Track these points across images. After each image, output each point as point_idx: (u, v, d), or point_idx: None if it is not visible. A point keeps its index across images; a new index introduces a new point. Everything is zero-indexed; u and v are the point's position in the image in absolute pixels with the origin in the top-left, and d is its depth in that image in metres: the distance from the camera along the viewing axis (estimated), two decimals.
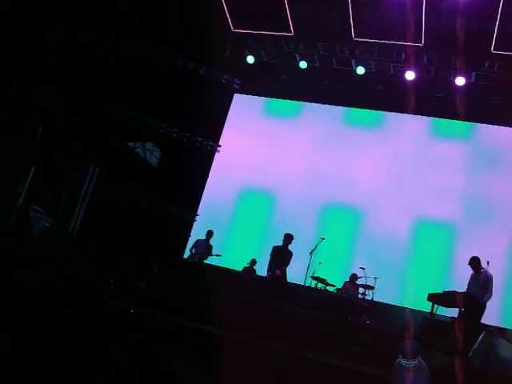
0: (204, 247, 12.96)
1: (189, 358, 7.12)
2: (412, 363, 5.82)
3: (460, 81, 14.06)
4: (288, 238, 10.79)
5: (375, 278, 12.04)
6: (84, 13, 13.55)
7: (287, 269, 10.52)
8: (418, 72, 14.41)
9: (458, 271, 11.61)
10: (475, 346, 6.86)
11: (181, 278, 12.14)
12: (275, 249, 10.79)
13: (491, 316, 10.34)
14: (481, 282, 9.94)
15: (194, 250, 13.04)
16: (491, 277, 9.97)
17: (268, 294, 10.35)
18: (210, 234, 13.13)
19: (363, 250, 13.88)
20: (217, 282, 12.10)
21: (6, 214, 13.02)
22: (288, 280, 10.75)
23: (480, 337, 6.96)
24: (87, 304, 6.86)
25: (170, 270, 12.48)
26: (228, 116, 16.41)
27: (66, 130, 14.18)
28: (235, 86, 16.26)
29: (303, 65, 15.33)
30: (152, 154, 16.39)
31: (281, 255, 10.64)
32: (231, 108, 16.49)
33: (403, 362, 5.87)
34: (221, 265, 13.65)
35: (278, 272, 10.38)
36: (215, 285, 11.57)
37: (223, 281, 12.57)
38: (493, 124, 14.30)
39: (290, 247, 10.60)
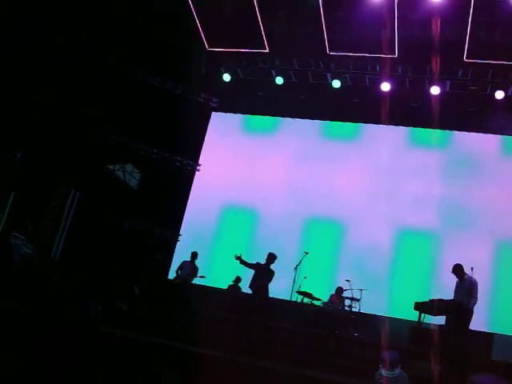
0: (189, 269, 12.93)
1: (175, 378, 7.03)
2: (392, 373, 5.78)
3: (435, 90, 14.18)
4: (271, 257, 10.79)
5: (361, 290, 12.04)
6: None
7: (269, 285, 10.51)
8: (393, 83, 14.52)
9: (443, 279, 11.60)
10: None
11: (165, 298, 12.03)
12: (258, 265, 10.78)
13: (478, 322, 10.35)
14: (466, 288, 9.96)
15: (179, 272, 13.00)
16: (476, 283, 10.00)
17: (251, 309, 10.30)
18: (194, 255, 13.12)
19: (347, 262, 13.86)
20: (202, 301, 12.05)
21: None
22: (274, 296, 10.70)
23: None
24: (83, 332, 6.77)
25: (152, 291, 12.35)
26: (207, 134, 16.40)
27: (45, 154, 14.08)
28: (212, 105, 16.27)
29: (279, 80, 15.40)
30: (132, 176, 16.29)
31: (262, 272, 10.63)
32: (209, 126, 16.49)
33: (383, 372, 5.83)
34: (206, 284, 13.55)
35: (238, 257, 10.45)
36: (200, 304, 11.53)
37: (208, 300, 12.51)
38: (468, 131, 14.44)
39: (273, 266, 10.58)
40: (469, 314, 9.82)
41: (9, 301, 8.66)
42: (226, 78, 15.80)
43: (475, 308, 9.93)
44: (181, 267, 13.07)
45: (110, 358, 7.13)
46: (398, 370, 5.81)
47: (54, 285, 10.66)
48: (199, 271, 12.99)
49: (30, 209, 13.90)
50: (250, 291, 10.80)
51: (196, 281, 13.17)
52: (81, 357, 6.38)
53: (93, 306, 7.67)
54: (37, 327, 6.78)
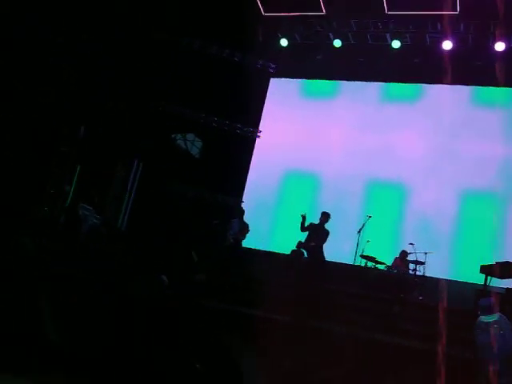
0: (237, 227, 12.73)
1: (246, 343, 7.22)
2: (492, 317, 5.91)
3: (500, 46, 13.72)
4: (325, 216, 10.85)
5: (425, 253, 11.94)
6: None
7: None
8: (455, 41, 14.13)
9: (509, 242, 11.44)
10: None
11: (220, 263, 12.01)
12: (312, 226, 10.84)
13: None
14: None
15: (230, 233, 12.75)
16: None
17: (307, 272, 10.41)
18: (241, 212, 13.02)
19: (411, 225, 13.76)
20: (265, 266, 12.18)
21: (56, 213, 13.36)
22: (337, 260, 10.76)
23: None
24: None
25: (209, 256, 12.40)
26: (266, 101, 16.40)
27: (107, 128, 14.43)
28: (271, 71, 16.25)
29: (337, 43, 15.20)
30: (193, 145, 16.51)
31: (317, 233, 10.69)
32: (269, 92, 16.48)
33: (483, 318, 5.95)
34: (269, 249, 13.74)
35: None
36: (263, 269, 11.64)
37: (272, 265, 12.64)
38: None
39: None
40: None
41: (77, 270, 8.96)
42: (284, 43, 15.70)
43: None
44: (229, 228, 12.81)
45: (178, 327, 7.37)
46: (497, 315, 5.93)
47: (122, 255, 10.98)
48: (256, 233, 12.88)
49: (96, 180, 14.33)
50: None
51: (260, 246, 13.28)
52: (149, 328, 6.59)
53: (161, 277, 7.84)
54: (103, 298, 7.01)
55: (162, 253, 10.59)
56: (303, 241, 11.33)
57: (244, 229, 12.78)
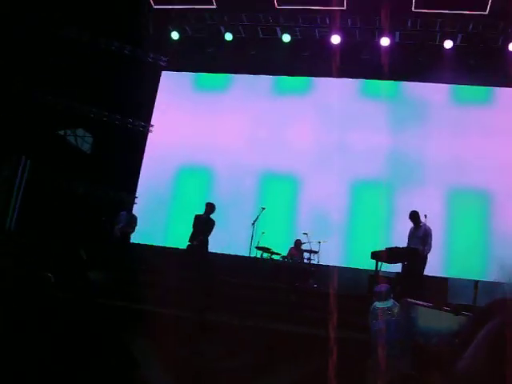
0: (125, 220, 12.33)
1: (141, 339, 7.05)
2: (385, 303, 6.05)
3: (385, 41, 14.22)
4: (209, 206, 10.86)
5: (319, 242, 12.18)
6: None
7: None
8: (343, 35, 14.50)
9: (398, 228, 11.89)
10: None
11: (109, 258, 11.57)
12: (197, 218, 10.82)
13: (434, 268, 10.70)
14: (420, 235, 10.29)
15: (118, 226, 12.28)
16: (430, 230, 10.34)
17: (188, 265, 10.36)
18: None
19: (304, 216, 14.03)
20: (160, 261, 11.96)
21: None
22: (232, 252, 10.76)
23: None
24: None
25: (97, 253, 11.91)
26: (158, 95, 16.16)
27: None
28: (162, 64, 16.02)
29: (229, 37, 15.21)
30: (84, 141, 15.98)
31: (202, 224, 10.68)
32: (161, 86, 16.24)
33: (378, 304, 6.08)
34: (166, 245, 13.55)
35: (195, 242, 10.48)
36: (158, 264, 11.41)
37: (166, 260, 12.42)
38: (418, 81, 14.54)
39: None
40: (423, 259, 10.16)
41: None
42: (175, 36, 15.50)
43: (430, 254, 10.27)
44: (118, 220, 12.34)
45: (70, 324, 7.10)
46: (390, 301, 6.07)
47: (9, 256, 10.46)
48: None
49: None
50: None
51: (156, 242, 13.08)
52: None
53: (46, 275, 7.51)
54: None
55: (49, 251, 10.17)
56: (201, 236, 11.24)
57: (132, 222, 12.42)
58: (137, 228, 12.54)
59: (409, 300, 6.72)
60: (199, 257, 10.60)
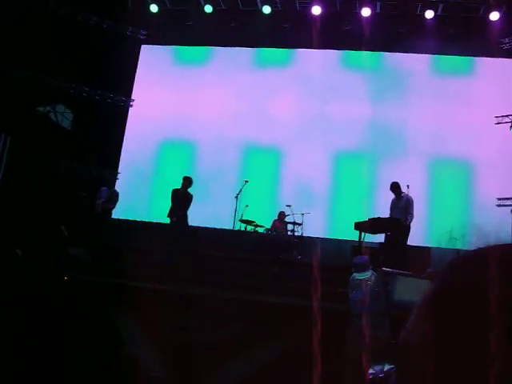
0: (106, 195, 12.17)
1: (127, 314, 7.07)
2: (364, 274, 6.11)
3: (366, 12, 14.16)
4: (187, 180, 10.85)
5: (302, 214, 12.21)
6: None
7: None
8: (324, 6, 14.40)
9: (380, 199, 11.94)
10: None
11: (90, 234, 11.53)
12: (174, 192, 10.81)
13: (416, 237, 10.80)
14: (402, 205, 10.37)
15: (98, 201, 12.14)
16: (412, 200, 10.41)
17: (171, 240, 10.38)
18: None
19: (287, 188, 14.05)
20: (143, 236, 11.94)
21: None
22: (216, 226, 10.74)
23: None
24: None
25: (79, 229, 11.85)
26: (138, 69, 16.01)
27: None
28: (141, 37, 15.87)
29: (208, 9, 15.05)
30: (64, 117, 15.80)
31: (180, 199, 10.68)
32: (141, 60, 16.09)
33: (357, 275, 6.14)
34: (149, 220, 13.53)
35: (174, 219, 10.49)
36: (141, 240, 11.40)
37: (149, 235, 12.40)
38: (399, 52, 14.51)
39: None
40: (406, 229, 10.24)
41: None
42: (153, 8, 15.33)
43: (413, 224, 10.36)
44: (98, 196, 12.16)
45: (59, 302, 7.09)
46: (369, 272, 6.13)
47: None
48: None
49: None
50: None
51: (140, 217, 13.06)
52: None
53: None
54: None
55: (27, 228, 10.11)
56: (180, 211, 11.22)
57: (113, 197, 12.32)
58: (119, 203, 12.48)
59: (385, 269, 6.81)
60: (181, 232, 10.60)
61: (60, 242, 9.66)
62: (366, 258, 6.36)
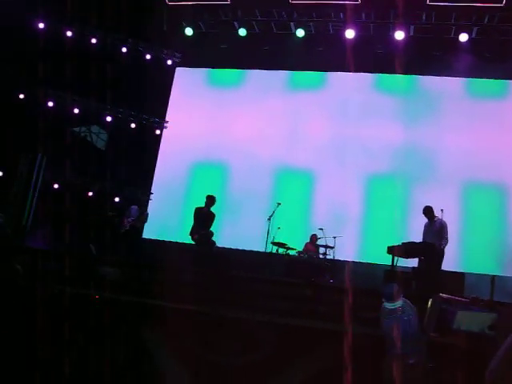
0: (135, 213, 12.41)
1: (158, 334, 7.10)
2: (395, 304, 6.00)
3: (399, 35, 14.11)
4: (210, 199, 10.90)
5: (334, 238, 12.17)
6: None
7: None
8: (357, 30, 14.40)
9: (414, 223, 11.83)
10: (427, 314, 6.82)
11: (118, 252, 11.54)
12: (198, 210, 10.85)
13: (450, 262, 10.64)
14: (436, 229, 10.27)
15: (127, 220, 12.36)
16: (445, 224, 10.30)
17: (198, 259, 10.39)
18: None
19: (320, 211, 14.01)
20: (174, 257, 11.97)
21: None
22: (249, 248, 10.70)
23: (429, 305, 6.87)
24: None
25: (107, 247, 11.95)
26: (172, 91, 16.21)
27: (10, 121, 13.84)
28: (176, 60, 16.09)
29: (242, 32, 15.17)
30: (99, 137, 16.06)
31: (203, 217, 10.71)
32: (175, 82, 16.30)
33: (387, 304, 6.04)
34: (179, 240, 13.57)
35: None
36: (172, 260, 11.45)
37: (181, 255, 12.44)
38: (434, 75, 14.43)
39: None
40: (440, 254, 10.12)
41: None
42: (189, 32, 15.51)
43: (446, 249, 10.22)
44: (128, 214, 12.41)
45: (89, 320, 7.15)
46: (399, 301, 6.05)
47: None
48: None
49: None
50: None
51: (171, 238, 13.09)
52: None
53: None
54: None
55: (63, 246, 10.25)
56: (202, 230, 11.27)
57: (142, 215, 12.55)
58: (151, 224, 12.60)
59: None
60: (207, 251, 10.63)
61: (89, 260, 9.79)
62: (395, 286, 6.18)
